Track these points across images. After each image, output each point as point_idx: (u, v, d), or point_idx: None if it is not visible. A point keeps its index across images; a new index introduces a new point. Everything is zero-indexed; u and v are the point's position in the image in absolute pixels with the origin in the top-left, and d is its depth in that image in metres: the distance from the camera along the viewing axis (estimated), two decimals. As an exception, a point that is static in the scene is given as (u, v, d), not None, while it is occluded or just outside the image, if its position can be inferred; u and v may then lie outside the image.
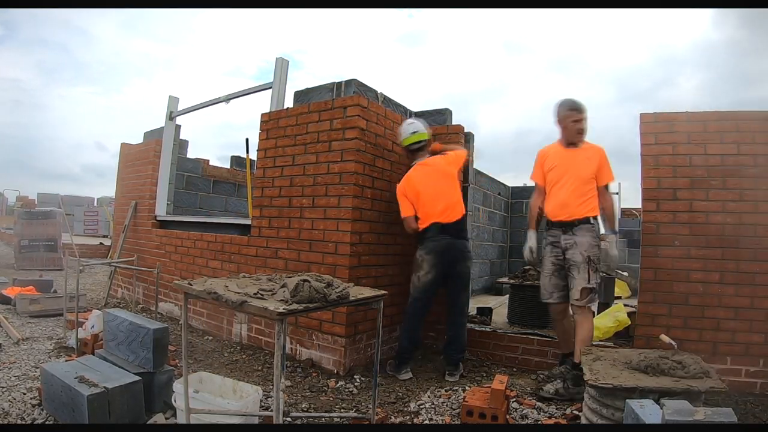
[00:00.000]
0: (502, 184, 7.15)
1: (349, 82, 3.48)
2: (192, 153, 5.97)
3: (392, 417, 2.46)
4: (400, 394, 2.81)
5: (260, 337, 3.59)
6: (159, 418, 2.22)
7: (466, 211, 3.35)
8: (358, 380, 2.98)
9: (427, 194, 3.14)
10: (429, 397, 2.76)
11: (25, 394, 2.47)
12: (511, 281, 4.25)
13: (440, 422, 2.40)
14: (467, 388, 2.85)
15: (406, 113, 3.99)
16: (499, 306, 4.85)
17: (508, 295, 4.57)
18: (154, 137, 5.31)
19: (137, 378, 2.18)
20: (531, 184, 7.82)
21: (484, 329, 3.64)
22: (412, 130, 3.28)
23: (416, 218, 3.17)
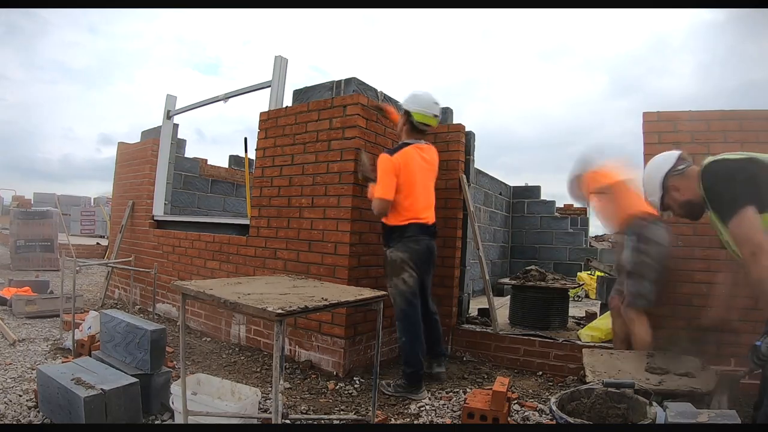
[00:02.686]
0: (504, 183, 7.15)
1: (349, 81, 3.47)
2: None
3: (392, 419, 2.46)
4: (401, 396, 2.81)
5: (259, 338, 3.59)
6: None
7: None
8: (357, 382, 2.98)
9: (420, 186, 2.90)
10: (430, 399, 2.75)
11: (21, 396, 2.47)
12: (513, 282, 4.25)
13: (441, 424, 2.40)
14: (468, 390, 2.85)
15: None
16: (501, 307, 4.85)
17: (509, 296, 4.56)
18: (151, 136, 5.31)
19: (134, 380, 2.17)
20: (532, 183, 7.82)
21: (485, 330, 3.64)
22: (432, 111, 2.97)
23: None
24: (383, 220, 2.93)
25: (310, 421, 2.39)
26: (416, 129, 2.98)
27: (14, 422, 2.17)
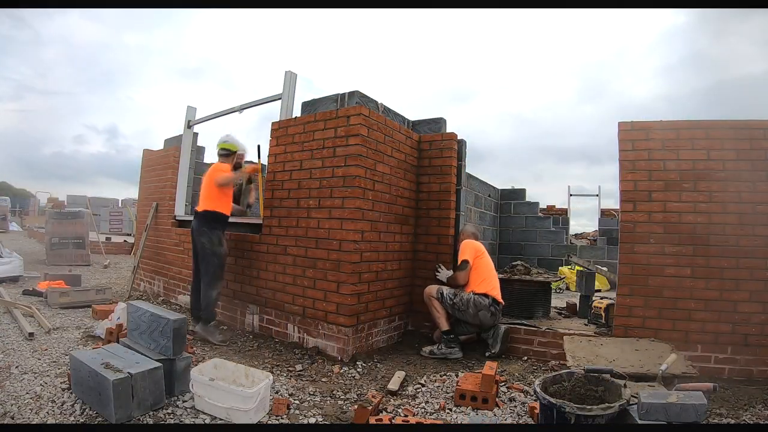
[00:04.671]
0: (492, 186, 7.15)
1: (352, 94, 3.47)
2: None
3: (391, 399, 2.46)
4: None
5: (270, 326, 3.59)
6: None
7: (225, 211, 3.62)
8: (360, 366, 2.98)
9: (201, 189, 3.74)
10: (425, 381, 2.75)
11: (55, 378, 2.47)
12: (501, 276, 4.24)
13: (436, 404, 2.39)
14: (460, 374, 2.85)
15: (404, 122, 3.99)
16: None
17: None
18: (173, 144, 5.30)
19: (158, 364, 2.17)
20: (518, 186, 7.83)
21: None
22: (221, 140, 3.75)
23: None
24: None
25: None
26: (221, 156, 3.75)
27: (50, 402, 2.16)
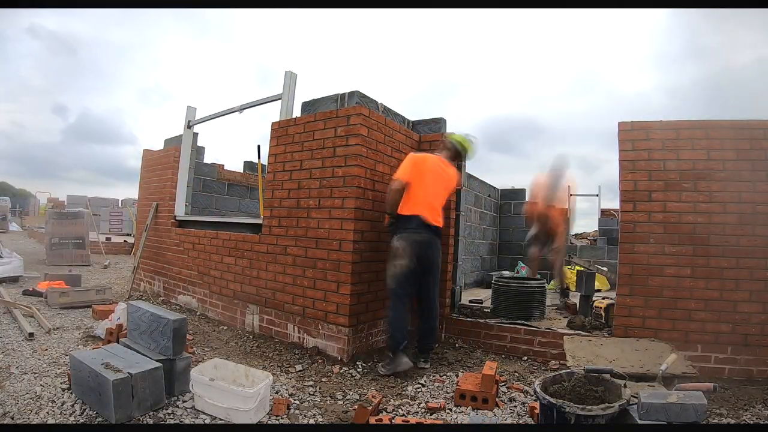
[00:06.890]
0: (492, 186, 7.16)
1: (352, 94, 3.47)
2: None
3: (391, 399, 2.46)
4: (399, 378, 2.81)
5: (270, 327, 3.59)
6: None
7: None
8: (360, 366, 2.98)
9: (429, 184, 3.04)
10: (425, 381, 2.75)
11: (55, 379, 2.47)
12: (500, 281, 4.23)
13: (436, 404, 2.39)
14: (460, 373, 2.85)
15: (404, 122, 3.99)
16: (489, 299, 4.84)
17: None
18: (173, 144, 5.31)
19: (158, 364, 2.17)
20: (518, 186, 7.82)
21: (476, 320, 3.63)
22: (472, 140, 3.40)
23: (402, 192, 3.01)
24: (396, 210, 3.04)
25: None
26: (451, 151, 3.30)
27: (50, 403, 2.16)
